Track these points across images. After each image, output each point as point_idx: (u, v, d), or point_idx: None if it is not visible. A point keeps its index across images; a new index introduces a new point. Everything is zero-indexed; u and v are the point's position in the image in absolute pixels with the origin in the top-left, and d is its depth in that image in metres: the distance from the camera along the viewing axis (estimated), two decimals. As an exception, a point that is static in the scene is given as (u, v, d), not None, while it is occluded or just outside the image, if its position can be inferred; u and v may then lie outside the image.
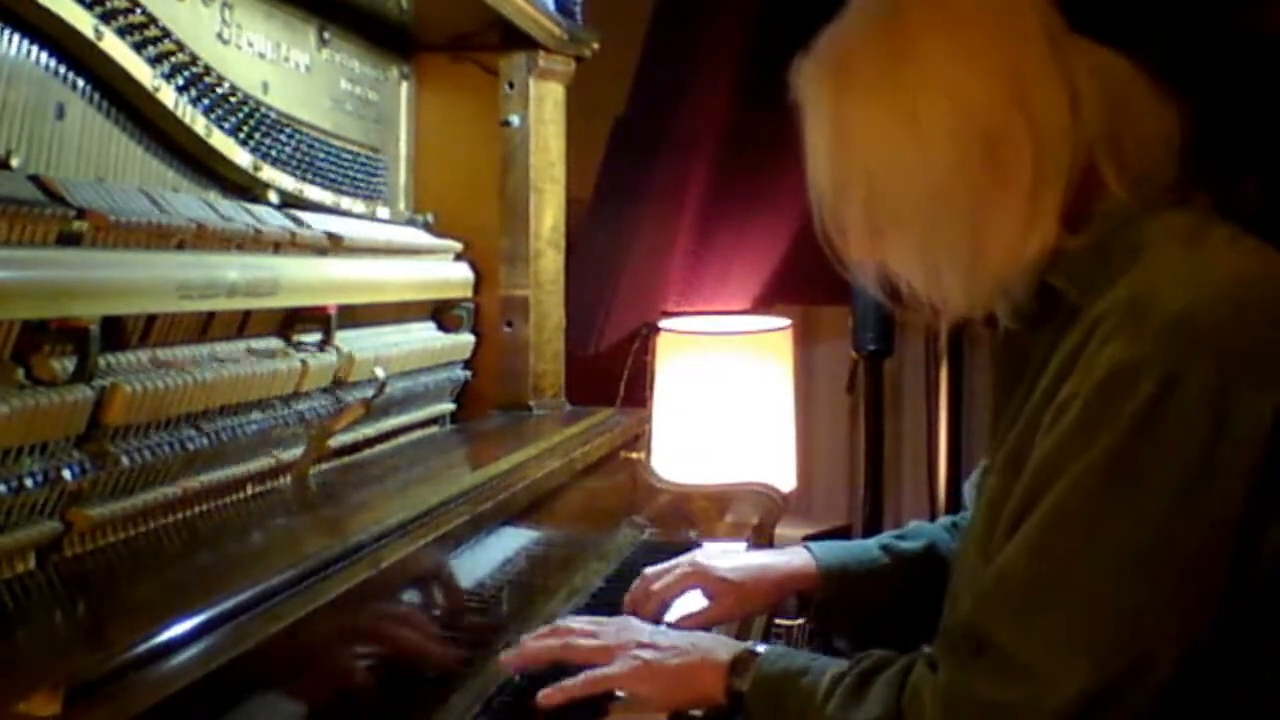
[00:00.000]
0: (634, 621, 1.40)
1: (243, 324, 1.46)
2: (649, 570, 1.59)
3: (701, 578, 1.55)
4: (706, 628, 1.49)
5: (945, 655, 1.11)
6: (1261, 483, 1.00)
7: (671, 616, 1.55)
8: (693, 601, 1.56)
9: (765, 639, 1.75)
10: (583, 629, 1.34)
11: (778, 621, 1.73)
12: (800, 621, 1.78)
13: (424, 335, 1.98)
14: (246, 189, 1.61)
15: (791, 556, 1.59)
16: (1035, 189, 1.10)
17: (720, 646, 1.30)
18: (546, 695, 1.28)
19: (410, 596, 1.29)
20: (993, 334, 1.30)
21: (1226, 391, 1.00)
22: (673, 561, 1.59)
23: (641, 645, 1.30)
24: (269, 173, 1.64)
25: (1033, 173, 1.10)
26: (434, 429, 2.00)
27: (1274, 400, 1.01)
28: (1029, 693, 1.02)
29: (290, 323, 1.56)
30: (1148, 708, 1.01)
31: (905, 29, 1.13)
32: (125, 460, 1.20)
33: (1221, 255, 1.10)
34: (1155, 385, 1.01)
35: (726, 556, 1.63)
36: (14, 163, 1.19)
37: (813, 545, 1.59)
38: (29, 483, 1.08)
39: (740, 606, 1.56)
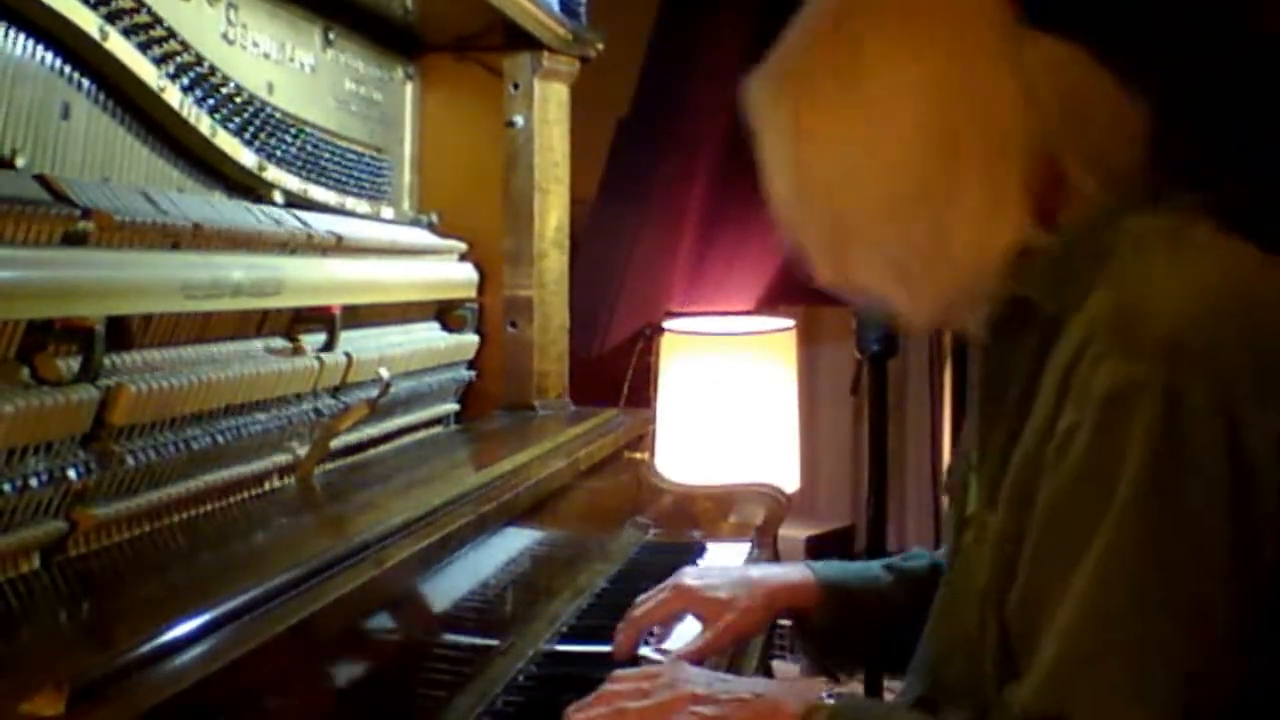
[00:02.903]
0: (689, 670, 1.24)
1: (247, 324, 1.46)
2: (639, 599, 1.48)
3: (688, 600, 1.45)
4: (702, 658, 1.38)
5: None
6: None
7: (668, 644, 1.44)
8: (688, 628, 1.45)
9: (765, 655, 1.72)
10: (632, 689, 1.19)
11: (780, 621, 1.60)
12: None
13: (428, 335, 1.98)
14: (251, 189, 1.61)
15: (788, 570, 1.50)
16: (993, 180, 1.08)
17: (788, 696, 1.18)
18: None
19: (413, 597, 1.29)
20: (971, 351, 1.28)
21: (1232, 409, 0.96)
22: (659, 587, 1.48)
23: (698, 699, 1.16)
24: (274, 173, 1.64)
25: (989, 165, 1.07)
26: (438, 429, 2.00)
27: (1277, 420, 0.96)
28: None
29: (295, 323, 1.56)
30: None
31: (853, 39, 1.11)
32: (130, 460, 1.20)
33: (1205, 260, 1.06)
34: (1159, 403, 0.96)
35: (714, 574, 1.51)
36: (19, 162, 1.19)
37: (812, 563, 1.49)
38: (34, 482, 1.08)
39: (736, 627, 1.42)
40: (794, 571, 1.47)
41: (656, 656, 1.42)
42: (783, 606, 1.45)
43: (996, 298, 1.12)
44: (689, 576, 1.49)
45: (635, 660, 1.41)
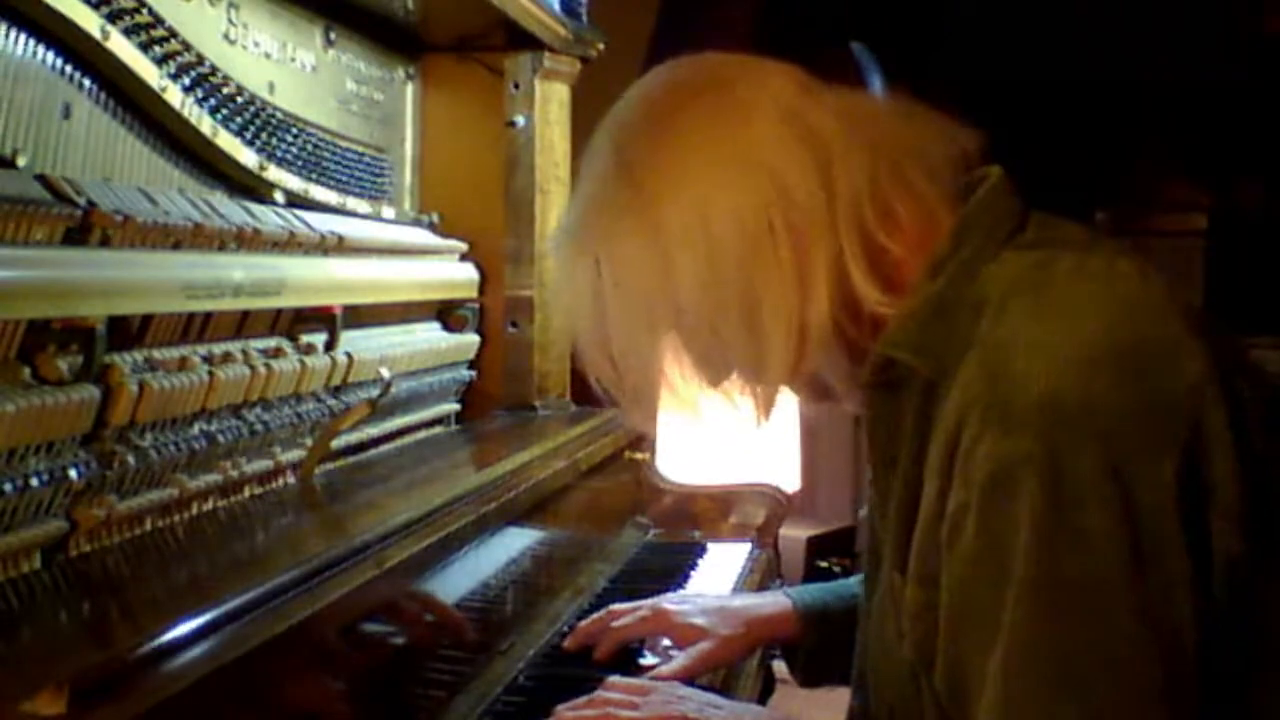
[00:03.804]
0: (682, 690, 1.25)
1: (248, 324, 1.47)
2: (615, 607, 1.48)
3: (665, 625, 1.42)
4: (687, 682, 1.32)
5: None
6: (1190, 543, 0.92)
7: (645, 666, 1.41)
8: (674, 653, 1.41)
9: (765, 656, 1.71)
10: (624, 699, 1.20)
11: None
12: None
13: (429, 335, 1.98)
14: (252, 189, 1.61)
15: (765, 600, 1.47)
16: (799, 261, 1.03)
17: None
18: None
19: (413, 597, 1.29)
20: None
21: (1119, 472, 0.91)
22: (637, 604, 1.47)
23: None
24: (275, 173, 1.64)
25: (791, 247, 1.03)
26: (439, 429, 2.00)
27: (1170, 462, 0.91)
28: None
29: (296, 323, 1.56)
30: None
31: (634, 185, 1.07)
32: (131, 459, 1.20)
33: (1071, 301, 0.99)
34: (1042, 475, 0.91)
35: (695, 601, 1.47)
36: (20, 162, 1.19)
37: (790, 590, 1.46)
38: (35, 482, 1.08)
39: (715, 656, 1.39)
40: (771, 601, 1.45)
41: (652, 660, 1.42)
42: (763, 636, 1.44)
43: (841, 364, 1.09)
44: (669, 601, 1.47)
45: (616, 666, 1.39)
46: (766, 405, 1.14)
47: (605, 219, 1.09)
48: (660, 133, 1.09)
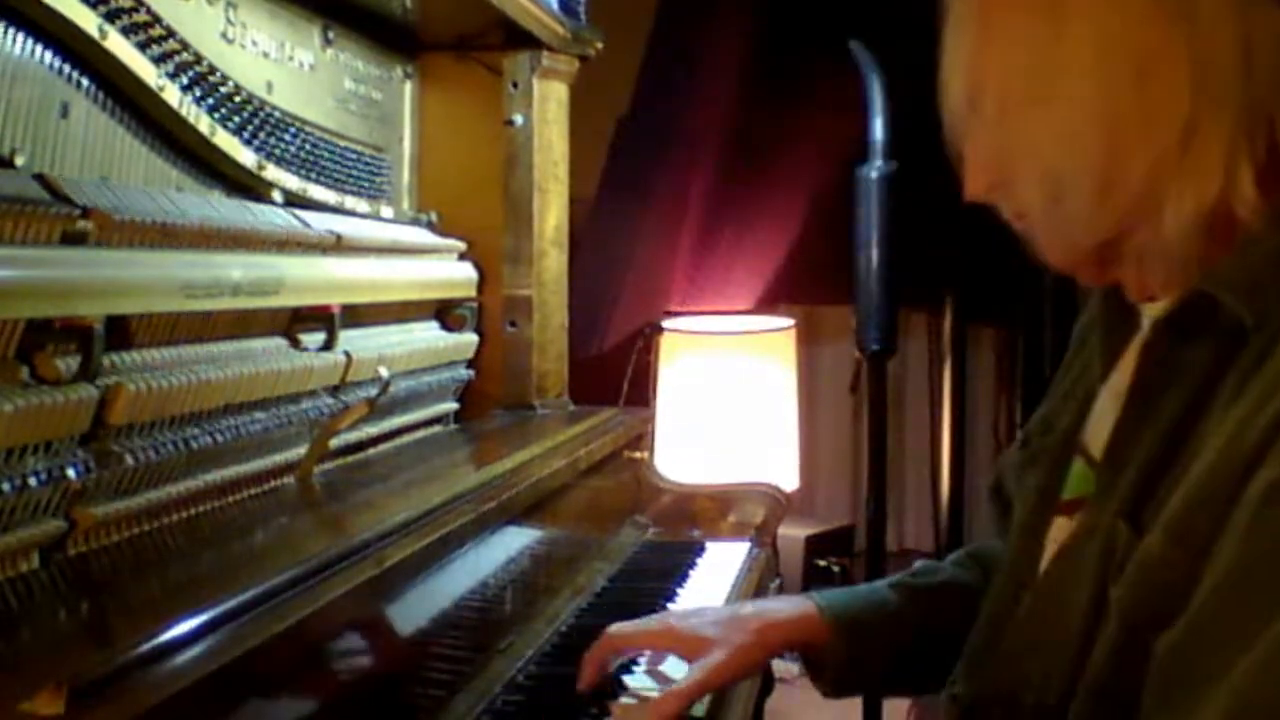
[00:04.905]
0: None
1: (246, 323, 1.46)
2: (616, 627, 1.35)
3: (673, 640, 1.32)
4: (690, 700, 1.26)
5: None
6: None
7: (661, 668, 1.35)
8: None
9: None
10: None
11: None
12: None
13: (427, 335, 1.98)
14: (251, 188, 1.61)
15: (785, 604, 1.35)
16: (1190, 129, 0.97)
17: None
18: None
19: (413, 597, 1.29)
20: (1101, 313, 1.16)
21: None
22: (643, 619, 1.36)
23: None
24: (273, 172, 1.64)
25: (1188, 111, 0.97)
26: (437, 428, 2.00)
27: None
28: None
29: (294, 322, 1.56)
30: None
31: None
32: (129, 459, 1.20)
33: None
34: None
35: (704, 612, 1.36)
36: (18, 161, 1.19)
37: (816, 595, 1.34)
38: (33, 481, 1.08)
39: (730, 668, 1.28)
40: (793, 605, 1.34)
41: (645, 682, 1.36)
42: (779, 642, 1.32)
43: (1181, 283, 1.01)
44: (675, 615, 1.40)
45: (611, 689, 1.34)
46: (1052, 241, 1.07)
47: None
48: None
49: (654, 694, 1.30)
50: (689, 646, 1.29)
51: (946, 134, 1.10)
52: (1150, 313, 1.08)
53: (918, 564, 1.42)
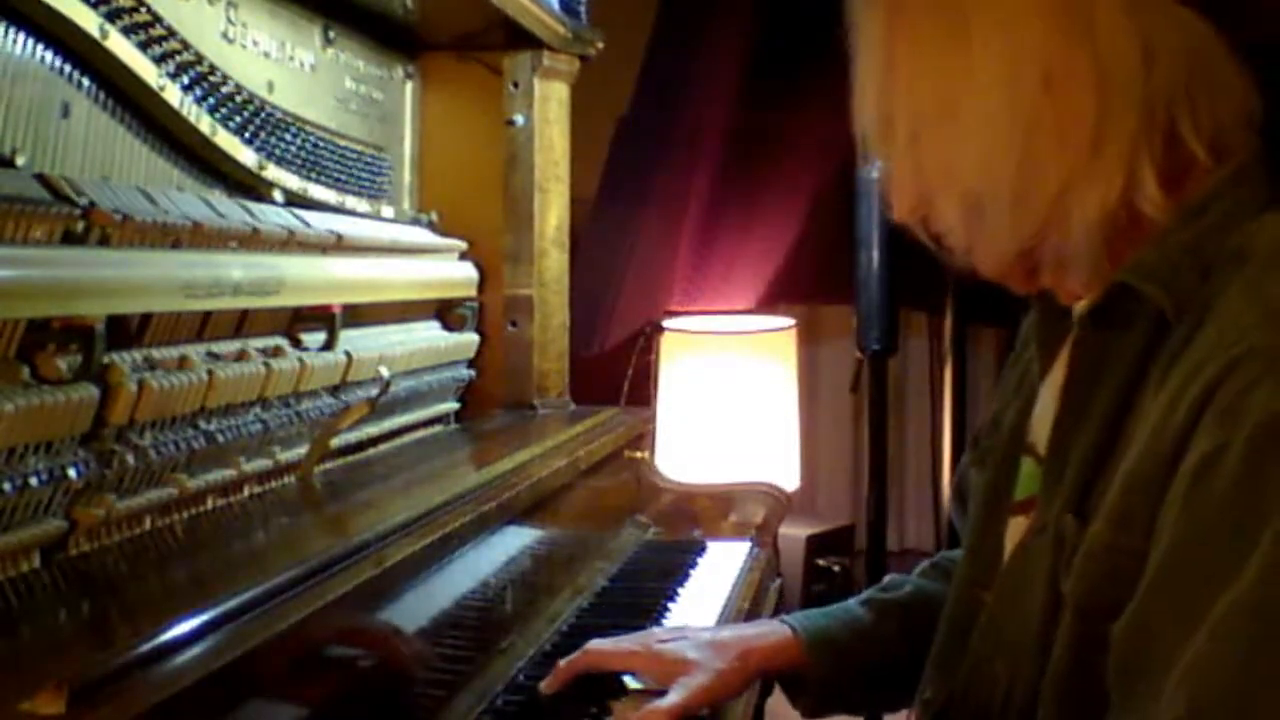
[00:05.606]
0: None
1: (247, 323, 1.47)
2: (595, 643, 1.34)
3: (653, 662, 1.30)
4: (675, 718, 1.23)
5: None
6: None
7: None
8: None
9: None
10: None
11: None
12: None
13: (428, 334, 1.98)
14: (251, 188, 1.61)
15: (761, 629, 1.36)
16: (1098, 134, 1.00)
17: None
18: None
19: (413, 597, 1.29)
20: (1037, 316, 1.18)
21: None
22: (624, 638, 1.36)
23: None
24: (274, 172, 1.64)
25: (1096, 116, 1.00)
26: (438, 428, 2.00)
27: None
28: None
29: (295, 322, 1.56)
30: None
31: None
32: (130, 459, 1.20)
33: None
34: None
35: (685, 633, 1.37)
36: (19, 161, 1.19)
37: (788, 618, 1.35)
38: (34, 481, 1.08)
39: (712, 691, 1.27)
40: (769, 630, 1.35)
41: (636, 685, 1.33)
42: (761, 668, 1.33)
43: (1085, 261, 1.04)
44: (656, 637, 1.36)
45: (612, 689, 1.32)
46: (979, 255, 1.09)
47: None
48: None
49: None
50: (669, 669, 1.28)
51: (865, 151, 1.12)
52: (1080, 311, 1.10)
53: (886, 578, 1.44)
